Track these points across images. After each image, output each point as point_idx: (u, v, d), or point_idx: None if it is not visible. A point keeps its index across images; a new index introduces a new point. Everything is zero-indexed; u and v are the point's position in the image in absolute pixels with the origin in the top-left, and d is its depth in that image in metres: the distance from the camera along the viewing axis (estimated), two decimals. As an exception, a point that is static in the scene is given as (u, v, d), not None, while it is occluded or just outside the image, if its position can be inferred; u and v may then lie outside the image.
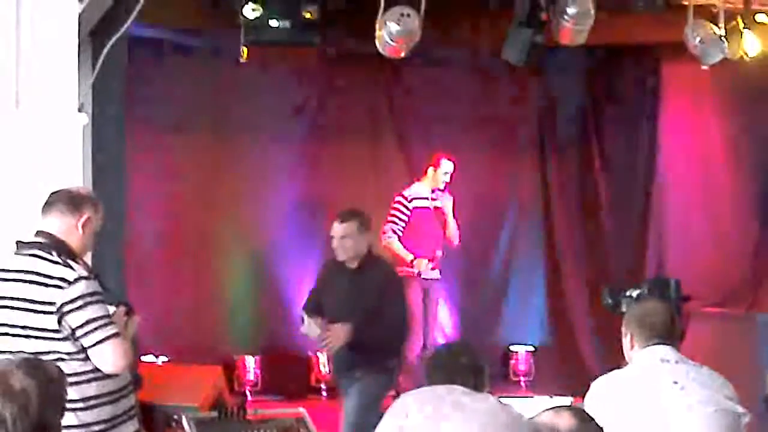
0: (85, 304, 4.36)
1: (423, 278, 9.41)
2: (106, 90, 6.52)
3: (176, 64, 9.75)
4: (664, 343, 4.53)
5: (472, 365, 4.71)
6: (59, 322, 4.34)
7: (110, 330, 4.41)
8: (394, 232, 9.49)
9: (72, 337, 4.37)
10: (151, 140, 9.56)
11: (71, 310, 4.34)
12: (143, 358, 8.49)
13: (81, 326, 4.36)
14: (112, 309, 4.58)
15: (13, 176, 5.46)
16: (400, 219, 9.51)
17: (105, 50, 6.00)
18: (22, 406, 3.05)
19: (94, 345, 4.38)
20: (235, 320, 10.22)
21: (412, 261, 9.36)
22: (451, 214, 9.68)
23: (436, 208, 9.60)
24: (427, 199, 9.58)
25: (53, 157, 5.49)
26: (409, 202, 9.53)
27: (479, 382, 4.66)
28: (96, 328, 4.38)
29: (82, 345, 4.38)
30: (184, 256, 10.00)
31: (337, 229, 6.88)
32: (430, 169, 9.66)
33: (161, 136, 9.76)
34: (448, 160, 9.63)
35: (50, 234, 4.49)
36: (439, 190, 9.63)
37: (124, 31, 6.00)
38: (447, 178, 9.61)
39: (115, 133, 6.85)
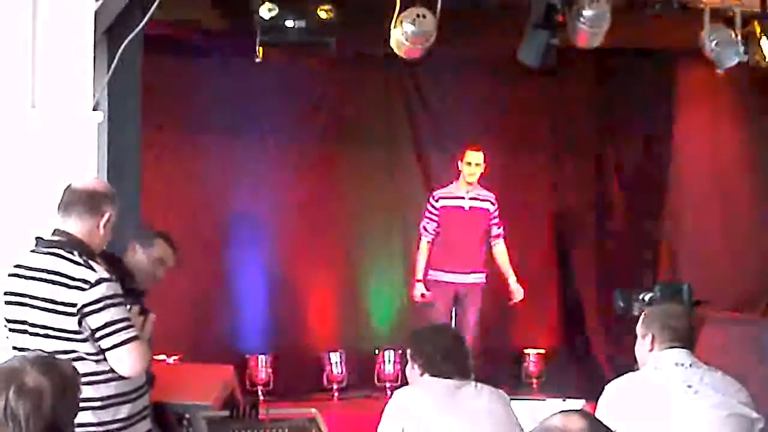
0: (106, 307, 4.35)
1: (453, 283, 9.16)
2: (121, 88, 6.51)
3: (191, 63, 9.75)
4: (682, 347, 4.53)
5: (463, 347, 4.81)
6: (80, 323, 4.34)
7: (129, 333, 4.41)
8: (425, 229, 9.25)
9: (92, 338, 4.36)
10: (166, 139, 9.57)
11: (91, 312, 4.33)
12: (155, 357, 8.51)
13: (100, 328, 4.35)
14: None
15: (30, 175, 5.47)
16: (429, 219, 9.25)
17: (120, 49, 6.00)
18: (35, 404, 3.04)
19: (112, 348, 4.38)
20: (247, 319, 10.22)
21: (415, 280, 9.16)
22: (496, 218, 9.36)
23: (473, 208, 9.27)
24: (461, 198, 9.24)
25: (68, 156, 5.50)
26: (436, 201, 9.24)
27: (468, 364, 4.74)
28: (115, 331, 4.37)
29: (100, 347, 4.38)
30: (197, 254, 10.01)
31: None
32: (459, 164, 9.32)
33: (176, 134, 9.78)
34: (475, 150, 9.28)
35: (69, 233, 4.49)
36: (484, 190, 9.32)
37: (139, 30, 6.00)
38: (475, 171, 9.22)
39: (130, 132, 6.85)
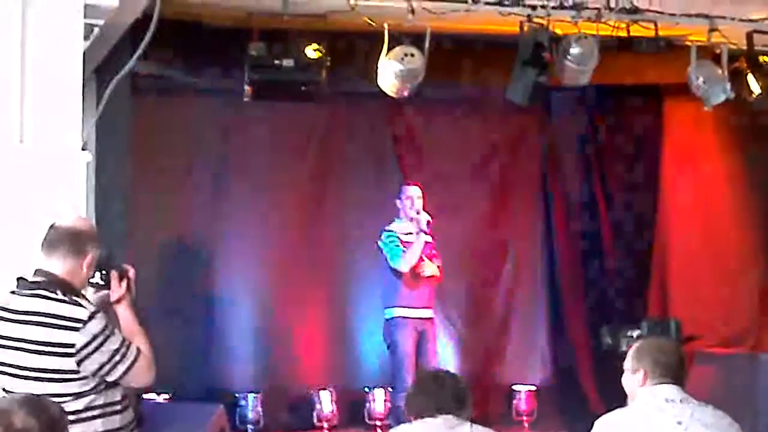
0: (101, 343, 4.35)
1: (417, 318, 9.12)
2: (110, 127, 6.53)
3: (180, 102, 9.76)
4: (673, 382, 4.51)
5: (454, 391, 4.76)
6: (78, 363, 4.33)
7: (130, 356, 4.45)
8: (404, 251, 9.10)
9: (92, 376, 4.35)
10: (154, 178, 9.56)
11: (90, 353, 4.32)
12: (145, 396, 8.47)
13: (104, 364, 4.36)
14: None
15: (17, 212, 5.46)
16: (398, 245, 9.12)
17: (109, 88, 6.01)
18: (23, 445, 3.04)
19: (122, 376, 4.43)
20: (237, 358, 10.19)
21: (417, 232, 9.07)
22: (434, 250, 9.31)
23: (424, 243, 9.21)
24: (410, 234, 9.19)
25: (57, 194, 5.49)
26: (399, 234, 9.17)
27: (463, 408, 4.70)
28: (119, 362, 4.40)
29: (105, 380, 4.38)
30: (186, 293, 10.00)
31: None
32: (397, 202, 9.35)
33: (164, 173, 9.77)
34: (411, 185, 9.35)
35: (52, 273, 4.47)
36: (424, 225, 9.18)
37: (128, 69, 6.01)
38: (414, 204, 9.19)
39: (118, 171, 6.86)
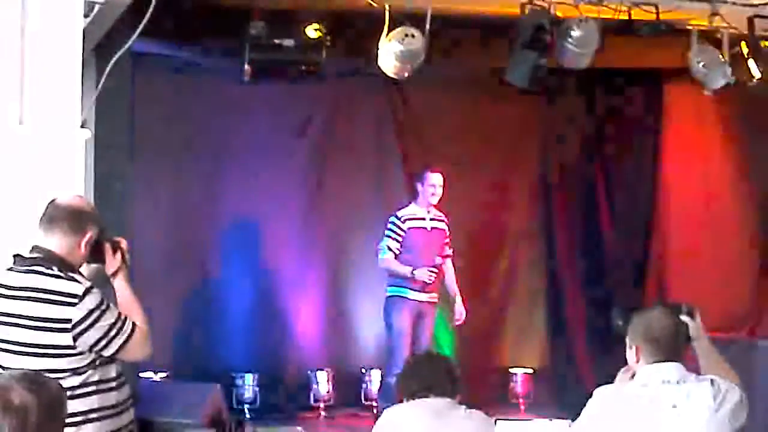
0: (97, 319, 4.34)
1: (416, 301, 9.13)
2: (109, 105, 6.50)
3: (180, 81, 9.75)
4: (669, 360, 4.43)
5: (447, 373, 4.77)
6: (75, 339, 4.32)
7: (126, 330, 4.45)
8: (390, 249, 9.17)
9: (89, 351, 4.35)
10: (154, 156, 9.56)
11: (86, 329, 4.32)
12: (141, 374, 8.48)
13: (100, 339, 4.35)
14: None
15: (16, 192, 5.45)
16: (395, 239, 9.18)
17: (109, 66, 5.98)
18: (20, 422, 3.03)
19: (118, 351, 4.43)
20: (234, 338, 10.20)
21: (412, 272, 9.04)
22: (448, 239, 9.43)
23: (433, 228, 9.29)
24: (423, 219, 9.25)
25: (56, 174, 5.48)
26: (403, 222, 9.19)
27: (454, 389, 4.72)
28: (114, 336, 4.40)
29: (101, 355, 4.38)
30: (184, 272, 9.99)
31: None
32: (418, 186, 9.35)
33: (164, 152, 9.77)
34: (434, 172, 9.29)
35: (49, 250, 4.46)
36: (438, 210, 9.33)
37: (128, 47, 5.99)
38: (438, 192, 9.24)
39: (118, 149, 6.84)
